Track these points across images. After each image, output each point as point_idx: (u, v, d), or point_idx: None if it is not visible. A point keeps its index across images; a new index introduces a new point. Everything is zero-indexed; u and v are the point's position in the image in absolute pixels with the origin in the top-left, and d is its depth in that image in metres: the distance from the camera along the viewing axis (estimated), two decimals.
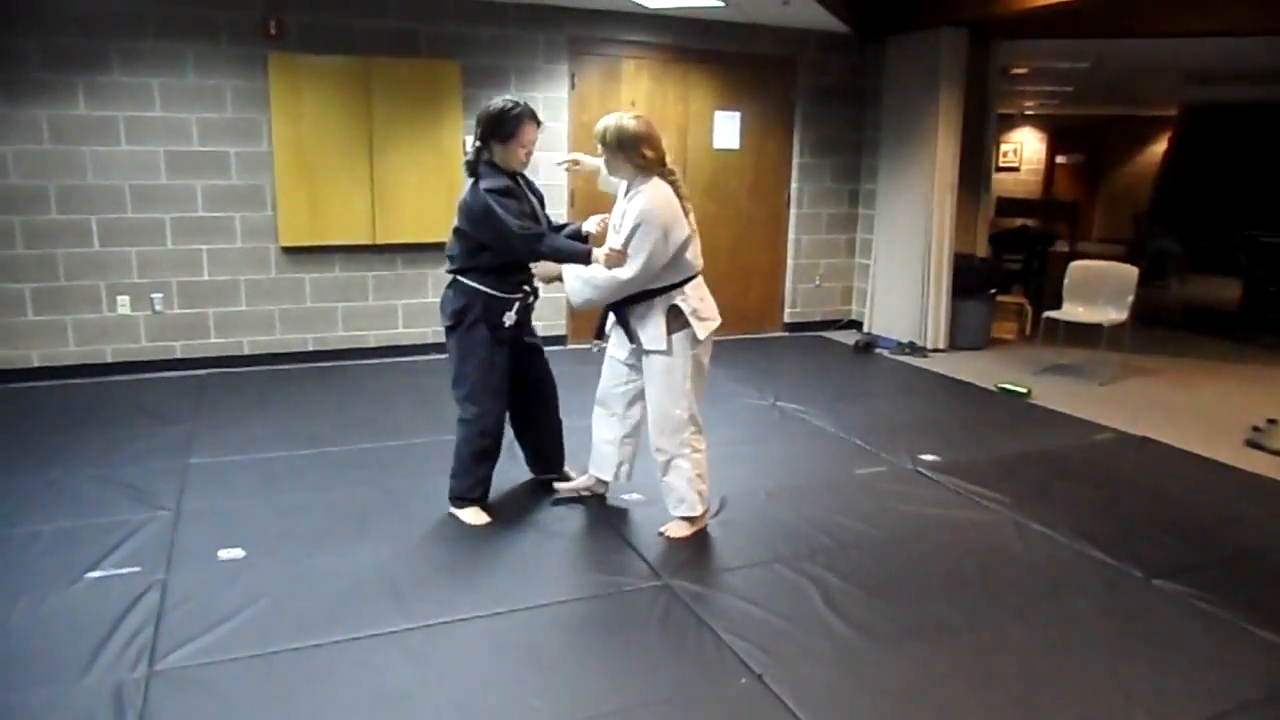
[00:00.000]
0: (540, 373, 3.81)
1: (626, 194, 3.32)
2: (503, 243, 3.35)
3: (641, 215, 3.17)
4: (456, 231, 3.46)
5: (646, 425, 3.54)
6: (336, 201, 6.01)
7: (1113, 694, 2.54)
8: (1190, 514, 3.88)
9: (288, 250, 6.02)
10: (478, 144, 3.43)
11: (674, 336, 3.31)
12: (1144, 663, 2.71)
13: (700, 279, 3.40)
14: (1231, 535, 3.69)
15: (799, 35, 7.19)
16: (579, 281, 3.28)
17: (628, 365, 3.54)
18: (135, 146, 5.57)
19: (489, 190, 3.32)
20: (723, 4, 6.21)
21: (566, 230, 3.61)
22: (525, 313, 3.60)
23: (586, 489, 3.84)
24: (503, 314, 3.48)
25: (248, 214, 5.89)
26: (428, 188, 6.18)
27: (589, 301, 3.31)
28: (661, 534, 3.51)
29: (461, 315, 3.46)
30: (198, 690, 2.47)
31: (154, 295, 5.78)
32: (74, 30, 5.33)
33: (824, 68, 7.37)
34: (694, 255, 3.32)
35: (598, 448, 3.72)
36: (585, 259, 3.31)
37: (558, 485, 3.87)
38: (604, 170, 3.43)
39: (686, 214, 3.28)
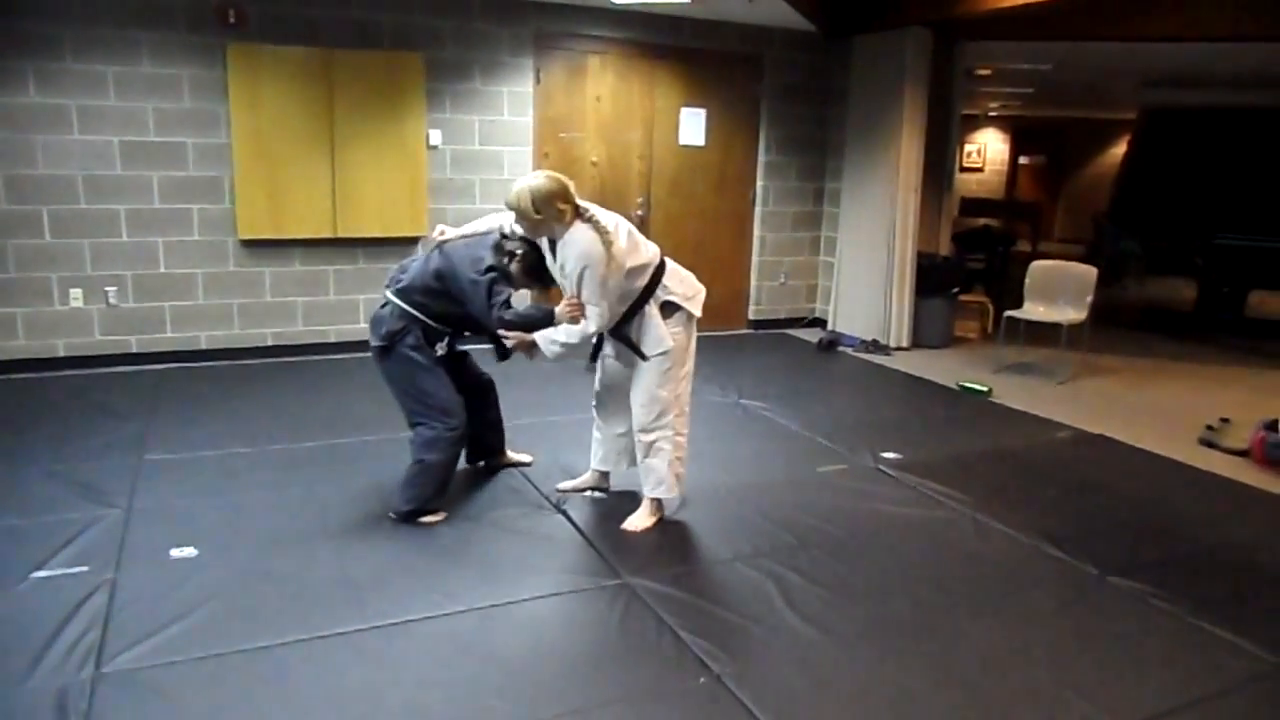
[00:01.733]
0: (474, 370, 3.88)
1: (553, 249, 3.33)
2: (477, 311, 3.41)
3: (579, 260, 3.18)
4: (430, 289, 3.48)
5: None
6: (297, 194, 5.92)
7: (1067, 690, 2.56)
8: (1145, 512, 3.94)
9: (246, 243, 5.92)
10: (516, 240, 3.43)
11: (673, 326, 3.40)
12: (1099, 659, 2.74)
13: (668, 261, 3.44)
14: (1185, 533, 3.74)
15: (765, 33, 7.19)
16: (548, 343, 3.32)
17: (626, 364, 3.56)
18: (88, 136, 5.45)
19: (491, 268, 3.40)
20: (688, 0, 6.20)
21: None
22: (454, 347, 3.64)
23: (590, 486, 3.85)
24: (435, 345, 3.53)
25: (205, 206, 5.79)
26: (389, 181, 6.11)
27: (560, 356, 3.36)
28: (624, 529, 3.52)
29: (395, 337, 3.46)
30: (146, 693, 2.41)
31: (108, 288, 5.66)
32: (25, 15, 5.19)
33: (790, 66, 7.39)
34: (644, 248, 3.36)
35: (611, 442, 3.74)
36: (549, 322, 3.36)
37: (560, 486, 3.87)
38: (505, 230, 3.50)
39: (608, 235, 3.20)
